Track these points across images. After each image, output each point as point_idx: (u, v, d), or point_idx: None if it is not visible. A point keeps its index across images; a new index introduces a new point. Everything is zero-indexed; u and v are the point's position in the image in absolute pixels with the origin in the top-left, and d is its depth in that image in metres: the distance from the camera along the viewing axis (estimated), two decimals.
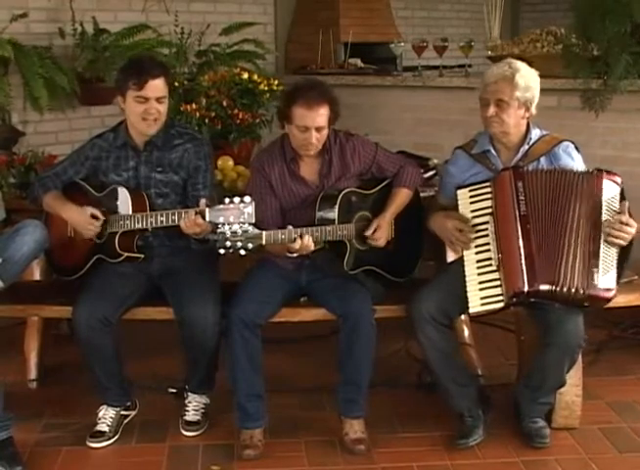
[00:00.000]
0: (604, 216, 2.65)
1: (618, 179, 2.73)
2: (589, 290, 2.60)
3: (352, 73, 4.88)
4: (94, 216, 2.85)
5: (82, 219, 2.87)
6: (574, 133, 3.10)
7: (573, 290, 2.60)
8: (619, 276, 2.67)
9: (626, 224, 2.64)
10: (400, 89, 4.49)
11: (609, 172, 2.72)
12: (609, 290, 2.63)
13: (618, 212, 2.66)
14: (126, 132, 2.92)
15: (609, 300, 2.65)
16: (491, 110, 2.73)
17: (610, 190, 2.69)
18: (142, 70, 2.78)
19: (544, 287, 2.63)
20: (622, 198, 2.72)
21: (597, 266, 2.60)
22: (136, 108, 2.80)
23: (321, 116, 2.77)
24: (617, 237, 2.63)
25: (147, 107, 2.79)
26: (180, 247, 2.94)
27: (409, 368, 3.28)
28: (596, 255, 2.62)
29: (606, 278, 2.62)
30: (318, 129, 2.78)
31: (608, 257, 2.64)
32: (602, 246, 2.63)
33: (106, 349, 2.80)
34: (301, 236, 2.71)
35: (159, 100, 2.81)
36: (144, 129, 2.86)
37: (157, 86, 2.79)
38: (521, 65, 2.77)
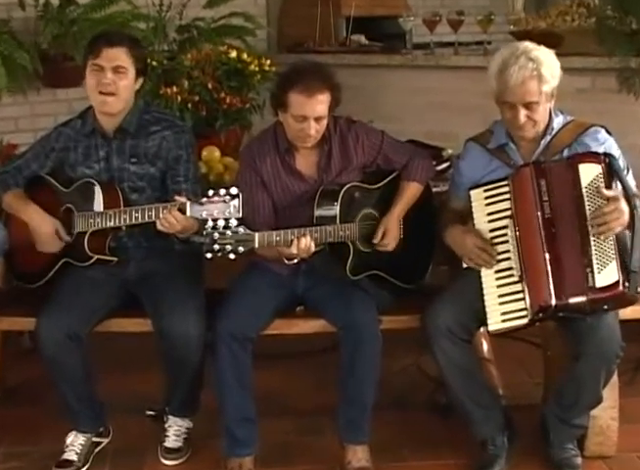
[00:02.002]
0: (587, 207, 2.62)
1: (599, 156, 2.66)
2: (590, 294, 2.59)
3: (355, 52, 4.87)
4: (59, 234, 2.88)
5: (46, 232, 2.89)
6: (611, 119, 3.07)
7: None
8: (626, 266, 2.60)
9: (610, 212, 2.57)
10: (410, 69, 4.49)
11: (584, 154, 2.69)
12: (613, 286, 2.58)
13: (601, 198, 2.60)
14: (94, 118, 2.93)
15: (620, 296, 2.59)
16: (522, 116, 2.70)
17: (588, 173, 2.64)
18: (100, 39, 2.83)
19: (575, 299, 2.62)
20: (612, 173, 2.65)
21: (591, 266, 2.59)
22: (91, 79, 2.83)
23: (321, 104, 2.78)
24: (603, 229, 2.58)
25: (101, 77, 2.81)
26: (159, 248, 2.95)
27: (420, 387, 3.29)
28: (587, 253, 2.60)
29: (604, 275, 2.58)
30: (317, 119, 2.79)
31: (603, 251, 2.60)
32: (592, 241, 2.60)
33: (75, 367, 2.80)
34: (299, 237, 2.71)
35: (116, 70, 2.82)
36: (99, 106, 2.86)
37: (114, 55, 2.81)
38: (539, 53, 2.73)
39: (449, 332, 2.73)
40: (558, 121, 2.82)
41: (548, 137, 2.80)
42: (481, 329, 3.08)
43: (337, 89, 2.83)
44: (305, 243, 2.72)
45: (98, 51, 2.80)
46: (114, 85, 2.82)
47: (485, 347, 3.27)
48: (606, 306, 2.64)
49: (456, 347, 2.75)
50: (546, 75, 2.70)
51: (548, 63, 2.73)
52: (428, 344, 2.78)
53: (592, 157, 2.68)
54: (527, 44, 2.77)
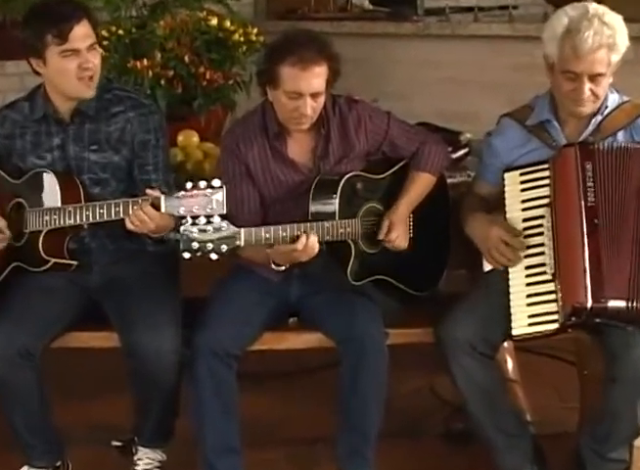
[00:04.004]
0: None
1: None
2: (635, 301, 2.61)
3: (357, 19, 4.88)
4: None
5: None
6: None
7: None
8: None
9: None
10: (421, 39, 4.51)
11: None
12: None
13: None
14: (46, 100, 2.91)
15: None
16: (586, 89, 2.70)
17: None
18: (59, 17, 2.77)
19: (614, 303, 2.63)
20: None
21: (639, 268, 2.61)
22: (67, 65, 2.80)
23: (318, 77, 2.77)
24: None
25: (80, 61, 2.79)
26: (128, 250, 2.95)
27: (434, 412, 3.30)
28: (636, 253, 2.62)
29: None
30: (314, 96, 2.78)
31: None
32: None
33: (27, 390, 2.79)
34: (299, 236, 2.71)
35: (90, 50, 2.81)
36: (83, 92, 2.85)
37: (84, 32, 2.79)
38: (611, 17, 2.71)
39: (469, 347, 2.73)
40: (613, 99, 2.83)
41: (599, 117, 2.81)
42: (506, 344, 3.09)
43: (335, 60, 2.82)
44: (314, 240, 2.71)
45: (67, 32, 2.75)
46: (93, 66, 2.82)
47: (511, 364, 3.28)
48: None
49: (477, 364, 2.75)
50: (619, 45, 2.70)
51: (621, 30, 2.72)
52: (444, 360, 2.78)
53: None
54: (596, 6, 2.76)
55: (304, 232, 2.71)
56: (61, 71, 2.82)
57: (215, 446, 2.82)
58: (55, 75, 2.84)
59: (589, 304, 2.63)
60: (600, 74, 2.71)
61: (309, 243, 2.71)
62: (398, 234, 2.90)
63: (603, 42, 2.67)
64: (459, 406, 2.94)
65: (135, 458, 3.00)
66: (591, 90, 2.72)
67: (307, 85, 2.76)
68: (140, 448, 3.00)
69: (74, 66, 2.79)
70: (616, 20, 2.74)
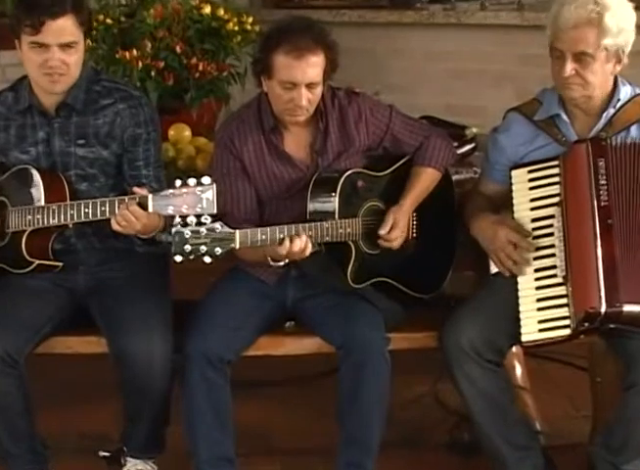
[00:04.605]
0: None
1: None
2: None
3: (358, 7, 4.87)
4: None
5: None
6: None
7: None
8: None
9: None
10: (426, 28, 4.51)
11: None
12: None
13: None
14: (30, 91, 2.91)
15: None
16: (569, 67, 2.70)
17: None
18: (39, 7, 2.75)
19: (630, 308, 2.63)
20: None
21: None
22: (33, 58, 2.79)
23: (314, 67, 2.77)
24: None
25: (47, 57, 2.77)
26: (116, 250, 2.95)
27: (438, 421, 3.30)
28: None
29: None
30: (310, 86, 2.78)
31: None
32: None
33: (11, 398, 2.79)
34: (293, 237, 2.70)
35: (64, 47, 2.78)
36: (47, 87, 2.84)
37: (60, 28, 2.76)
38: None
39: (475, 353, 2.73)
40: (626, 92, 2.82)
41: (612, 110, 2.80)
42: (514, 349, 3.09)
43: (333, 50, 2.82)
44: (300, 244, 2.71)
45: (37, 25, 2.73)
46: (64, 66, 2.80)
47: (519, 371, 3.28)
48: None
49: (483, 371, 2.75)
50: (609, 24, 2.67)
51: (617, 11, 2.70)
52: (448, 367, 2.78)
53: None
54: None
55: (290, 237, 2.70)
56: (26, 61, 2.82)
57: (209, 456, 2.82)
58: (26, 65, 2.83)
59: (603, 308, 2.62)
60: (585, 54, 2.68)
61: (293, 248, 2.69)
62: (398, 234, 2.89)
63: (583, 16, 2.65)
64: (464, 416, 2.94)
65: (124, 469, 2.99)
66: (577, 71, 2.70)
67: (302, 75, 2.75)
68: (129, 459, 3.00)
69: (40, 60, 2.78)
70: (615, 1, 2.71)
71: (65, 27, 2.77)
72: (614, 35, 2.69)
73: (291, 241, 2.70)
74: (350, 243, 2.86)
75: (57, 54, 2.77)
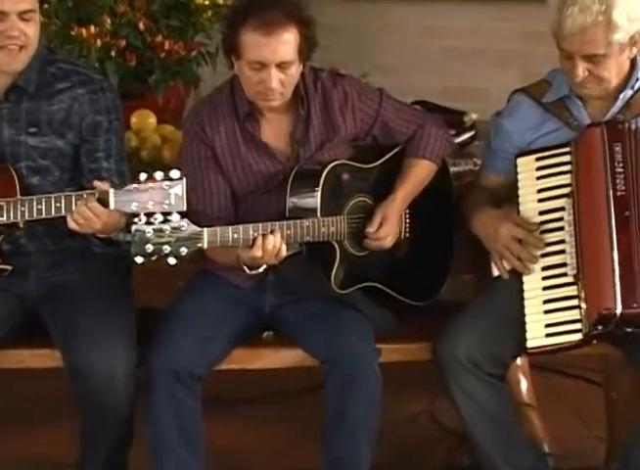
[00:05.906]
0: None
1: None
2: None
3: None
4: None
5: None
6: None
7: None
8: None
9: None
10: (420, 2, 4.50)
11: None
12: None
13: None
14: None
15: None
16: (580, 70, 2.71)
17: None
18: None
19: None
20: None
21: None
22: None
23: (285, 44, 2.76)
24: None
25: (5, 26, 2.78)
26: (71, 252, 2.95)
27: (435, 442, 3.30)
28: None
29: None
30: (281, 66, 2.77)
31: None
32: None
33: None
34: (266, 235, 2.70)
35: (22, 16, 2.79)
36: (8, 64, 2.84)
37: None
38: None
39: (472, 365, 2.73)
40: None
41: (629, 92, 2.82)
42: (519, 361, 3.09)
43: (308, 25, 2.82)
44: (273, 243, 2.70)
45: None
46: (23, 36, 2.80)
47: (525, 386, 3.30)
48: None
49: (483, 386, 2.75)
50: (618, 21, 2.68)
51: (626, 3, 2.69)
52: (443, 382, 2.78)
53: None
54: None
55: (262, 235, 2.70)
56: None
57: None
58: None
59: (619, 310, 2.63)
60: (596, 55, 2.70)
61: (267, 245, 2.69)
62: (389, 232, 2.88)
63: (588, 21, 2.66)
64: (464, 436, 2.94)
65: None
66: (589, 71, 2.71)
67: (272, 53, 2.75)
68: None
69: None
70: None
71: None
72: (625, 29, 2.69)
73: (263, 240, 2.69)
74: (334, 243, 2.86)
75: (17, 23, 2.78)
